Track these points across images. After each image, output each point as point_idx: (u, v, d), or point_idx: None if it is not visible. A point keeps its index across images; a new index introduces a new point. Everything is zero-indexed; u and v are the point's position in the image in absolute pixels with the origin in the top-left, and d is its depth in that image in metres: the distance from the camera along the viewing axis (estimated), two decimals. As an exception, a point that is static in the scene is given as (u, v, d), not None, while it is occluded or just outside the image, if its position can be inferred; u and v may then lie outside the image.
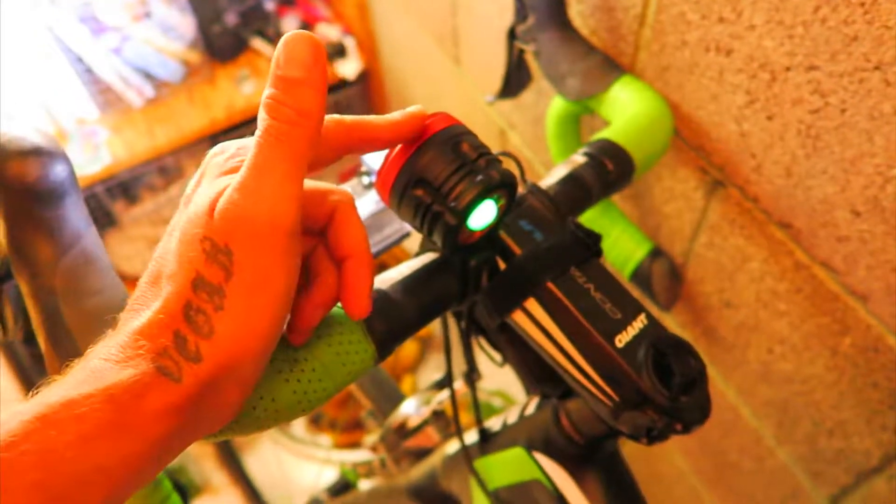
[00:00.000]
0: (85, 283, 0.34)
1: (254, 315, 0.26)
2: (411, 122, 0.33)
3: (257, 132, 0.26)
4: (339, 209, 0.32)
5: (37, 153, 0.34)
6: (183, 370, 0.24)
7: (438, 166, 0.34)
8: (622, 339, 0.38)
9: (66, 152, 0.36)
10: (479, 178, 0.34)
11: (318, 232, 0.32)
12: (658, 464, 1.02)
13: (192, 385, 0.24)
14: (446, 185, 0.34)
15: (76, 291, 0.34)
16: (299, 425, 1.51)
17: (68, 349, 0.34)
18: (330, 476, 1.10)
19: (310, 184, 0.32)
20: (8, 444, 0.21)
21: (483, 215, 0.37)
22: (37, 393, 0.23)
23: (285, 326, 0.31)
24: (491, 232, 0.40)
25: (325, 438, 1.48)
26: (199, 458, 1.46)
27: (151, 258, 0.28)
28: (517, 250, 0.41)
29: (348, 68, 1.60)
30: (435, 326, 1.54)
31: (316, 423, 1.50)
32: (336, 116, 0.31)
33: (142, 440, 0.23)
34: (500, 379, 1.08)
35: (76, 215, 0.35)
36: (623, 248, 0.71)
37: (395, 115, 0.33)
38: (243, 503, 1.37)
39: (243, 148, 0.29)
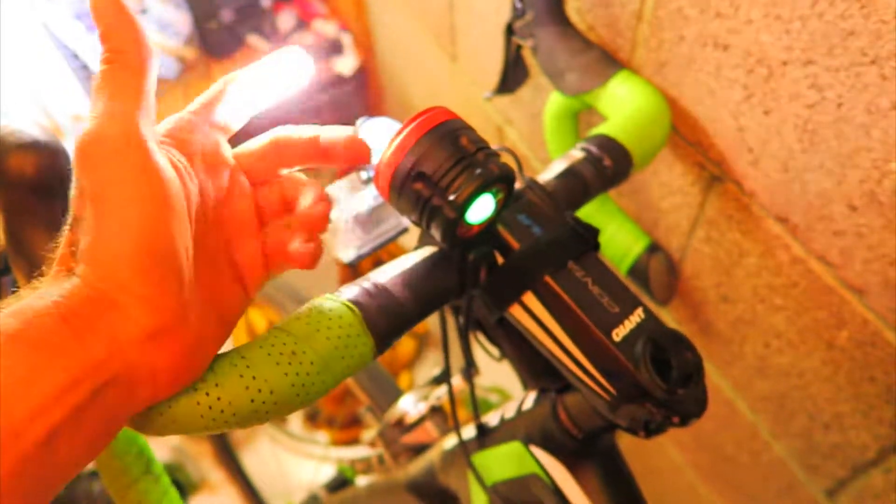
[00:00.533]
0: (84, 277, 0.34)
1: (109, 228, 0.27)
2: (339, 146, 0.36)
3: None
4: (269, 151, 0.36)
5: (36, 146, 0.34)
6: (65, 289, 0.26)
7: (437, 160, 0.34)
8: (620, 333, 0.38)
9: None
10: (478, 171, 0.34)
11: (279, 203, 0.37)
12: (654, 458, 1.03)
13: (75, 299, 0.26)
14: (445, 179, 0.34)
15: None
16: (296, 422, 1.51)
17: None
18: (327, 473, 1.10)
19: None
20: None
21: (482, 209, 0.37)
22: None
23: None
24: (489, 226, 0.40)
25: (323, 435, 1.48)
26: (197, 456, 1.46)
27: None
28: (515, 245, 0.41)
29: (344, 65, 1.59)
30: (432, 323, 1.54)
31: (313, 419, 1.50)
32: (277, 137, 0.36)
33: (42, 349, 0.24)
34: (496, 375, 1.08)
35: (75, 209, 0.35)
36: (620, 244, 0.71)
37: (330, 134, 0.36)
38: (240, 501, 1.37)
39: None
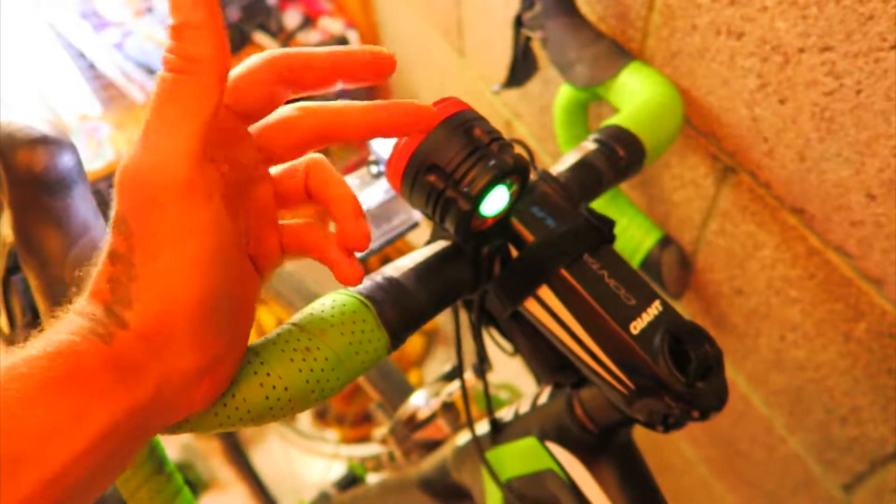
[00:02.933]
0: (94, 274, 0.34)
1: (164, 280, 0.25)
2: (398, 110, 0.31)
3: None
4: (310, 169, 0.32)
5: (44, 142, 0.33)
6: (113, 335, 0.24)
7: (451, 151, 0.34)
8: (637, 326, 0.37)
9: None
10: (493, 163, 0.34)
11: (302, 199, 0.33)
12: (667, 453, 1.02)
13: (124, 346, 0.24)
14: (459, 171, 0.34)
15: (87, 282, 0.34)
16: (306, 420, 1.51)
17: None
18: (338, 471, 1.10)
19: (278, 167, 0.32)
20: None
21: (496, 201, 0.36)
22: None
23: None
24: (503, 219, 0.39)
25: (332, 433, 1.48)
26: (206, 455, 1.46)
27: None
28: (529, 237, 0.40)
29: (351, 62, 1.59)
30: (441, 320, 1.54)
31: (323, 417, 1.50)
32: (301, 105, 0.30)
33: (87, 394, 0.23)
34: (507, 372, 1.07)
35: (85, 205, 0.35)
36: (632, 237, 0.70)
37: (377, 103, 0.31)
38: (250, 499, 1.37)
39: None
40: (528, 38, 0.70)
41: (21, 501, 0.21)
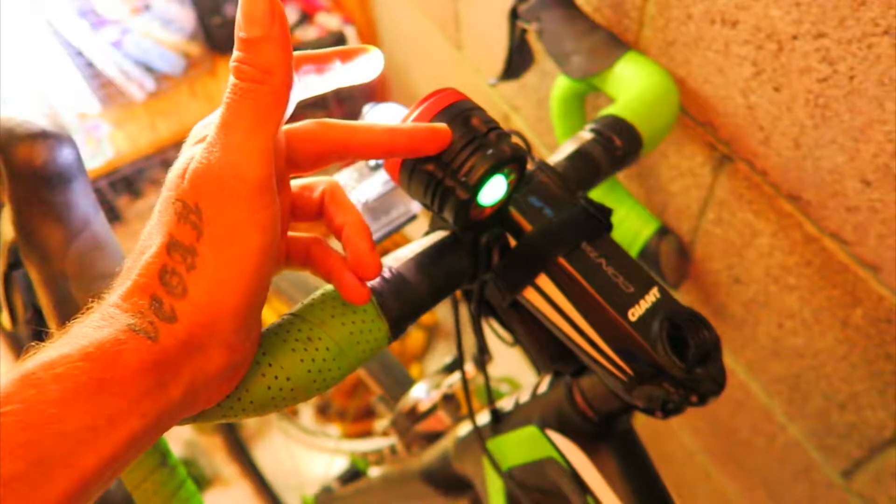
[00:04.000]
0: (96, 267, 0.34)
1: (226, 271, 0.26)
2: (418, 134, 0.33)
3: (225, 94, 0.27)
4: (326, 191, 0.33)
5: (44, 136, 0.34)
6: (159, 330, 0.25)
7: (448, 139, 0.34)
8: (635, 313, 0.38)
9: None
10: (490, 152, 0.34)
11: (314, 217, 0.34)
12: (667, 444, 1.02)
13: (169, 344, 0.25)
14: (457, 160, 0.34)
15: (88, 275, 0.34)
16: (307, 416, 1.51)
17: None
18: (340, 465, 1.10)
19: (298, 181, 0.34)
20: None
21: (494, 190, 0.36)
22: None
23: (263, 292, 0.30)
24: (501, 208, 0.40)
25: (334, 428, 1.48)
26: (209, 451, 1.47)
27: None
28: (528, 226, 0.40)
29: (348, 57, 1.59)
30: (441, 315, 1.54)
31: (324, 412, 1.50)
32: (324, 120, 0.31)
33: (124, 398, 0.23)
34: (507, 365, 1.08)
35: (84, 200, 0.35)
36: (630, 227, 0.70)
37: (399, 126, 0.32)
38: (253, 495, 1.37)
39: (213, 119, 0.29)
40: (524, 31, 0.70)
41: (52, 503, 0.21)
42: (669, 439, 1.01)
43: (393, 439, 0.74)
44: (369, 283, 0.35)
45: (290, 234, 0.34)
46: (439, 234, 0.40)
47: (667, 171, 0.69)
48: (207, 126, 0.29)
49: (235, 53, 0.26)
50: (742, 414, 0.79)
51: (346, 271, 0.32)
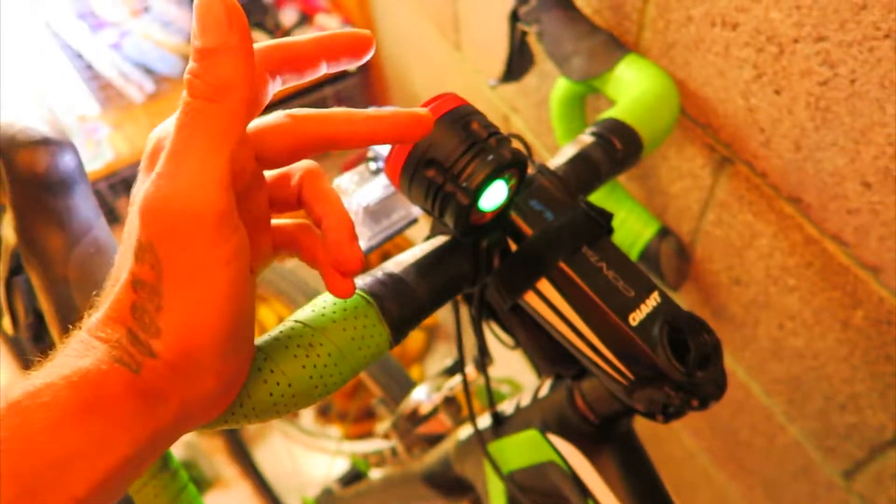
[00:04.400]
0: (98, 273, 0.34)
1: (196, 309, 0.25)
2: (399, 119, 0.29)
3: (176, 113, 0.24)
4: (303, 179, 0.31)
5: (45, 143, 0.34)
6: (141, 363, 0.24)
7: (449, 146, 0.34)
8: (636, 317, 0.38)
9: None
10: (491, 157, 0.34)
11: (295, 207, 0.32)
12: (667, 445, 1.02)
13: (152, 375, 0.24)
14: (458, 165, 0.34)
15: (89, 281, 0.34)
16: (308, 417, 1.51)
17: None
18: (341, 467, 1.10)
19: (272, 172, 0.31)
20: None
21: (494, 195, 0.37)
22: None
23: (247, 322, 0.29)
24: (502, 213, 0.40)
25: (335, 430, 1.49)
26: (210, 453, 1.47)
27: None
28: (528, 231, 0.40)
29: (348, 58, 1.59)
30: (442, 316, 1.54)
31: (325, 414, 1.50)
32: (295, 112, 0.29)
33: (112, 422, 0.23)
34: (508, 367, 1.08)
35: (86, 205, 0.35)
36: (630, 229, 0.70)
37: (379, 112, 0.30)
38: (254, 497, 1.37)
39: (168, 131, 0.26)
40: (525, 33, 0.70)
41: None
42: (670, 440, 1.01)
43: (394, 441, 0.74)
44: (369, 287, 0.35)
45: (274, 222, 0.32)
46: (440, 239, 0.40)
47: (667, 173, 0.69)
48: (162, 140, 0.26)
49: (189, 64, 0.24)
50: (742, 414, 0.79)
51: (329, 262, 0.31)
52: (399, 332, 0.35)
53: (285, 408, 0.32)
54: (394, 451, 0.83)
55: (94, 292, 0.33)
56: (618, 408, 0.43)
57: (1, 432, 0.21)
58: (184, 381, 0.25)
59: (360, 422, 1.46)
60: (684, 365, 0.36)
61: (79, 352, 0.24)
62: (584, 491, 0.45)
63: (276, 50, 0.28)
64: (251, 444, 1.45)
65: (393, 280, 0.36)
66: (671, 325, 0.37)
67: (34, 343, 0.56)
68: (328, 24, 1.62)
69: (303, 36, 0.29)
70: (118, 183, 1.61)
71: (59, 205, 0.34)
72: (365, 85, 1.72)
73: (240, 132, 0.25)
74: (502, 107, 1.02)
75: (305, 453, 1.43)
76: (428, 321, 1.55)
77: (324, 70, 0.30)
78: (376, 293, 0.35)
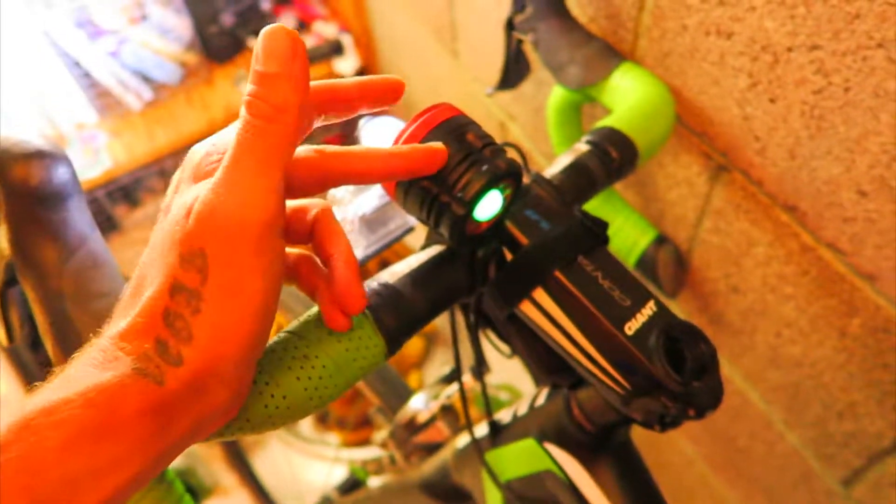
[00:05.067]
0: (92, 286, 0.34)
1: (232, 316, 0.25)
2: (415, 156, 0.32)
3: (236, 129, 0.26)
4: (318, 217, 0.33)
5: (39, 156, 0.34)
6: (165, 374, 0.24)
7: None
8: (632, 327, 0.38)
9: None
10: (486, 167, 0.34)
11: (305, 240, 0.33)
12: (665, 452, 1.02)
13: (175, 388, 0.24)
14: (453, 176, 0.34)
15: (84, 294, 0.34)
16: (307, 424, 1.51)
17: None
18: (339, 475, 1.10)
19: (291, 203, 0.33)
20: None
21: (490, 205, 0.37)
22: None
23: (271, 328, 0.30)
24: (497, 222, 0.40)
25: (333, 437, 1.48)
26: (208, 460, 1.46)
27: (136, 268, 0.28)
28: (524, 240, 0.40)
29: (346, 65, 1.59)
30: (440, 322, 1.54)
31: (323, 421, 1.50)
32: (322, 148, 0.31)
33: (127, 441, 0.23)
34: (506, 373, 1.08)
35: (80, 218, 0.35)
36: (627, 237, 0.70)
37: (396, 150, 0.32)
38: (252, 504, 1.37)
39: (217, 146, 0.28)
40: (521, 41, 0.70)
41: None
42: (668, 447, 1.01)
43: (391, 450, 0.74)
44: (368, 301, 0.35)
45: None
46: (435, 249, 0.40)
47: (663, 181, 0.69)
48: (208, 159, 0.28)
49: (250, 87, 0.26)
50: (741, 421, 0.79)
51: (329, 296, 0.32)
52: (395, 343, 0.35)
53: (281, 420, 0.31)
54: (392, 459, 0.83)
55: (89, 304, 0.33)
56: (614, 417, 0.43)
57: (14, 450, 0.21)
58: (202, 394, 0.25)
59: (359, 429, 1.46)
60: (681, 375, 0.36)
61: (99, 362, 0.24)
62: (581, 500, 0.45)
63: (325, 90, 0.30)
64: (249, 452, 1.45)
65: (388, 291, 0.36)
66: (667, 335, 0.37)
67: (31, 351, 0.56)
68: (326, 32, 1.62)
69: (348, 79, 0.31)
70: (116, 191, 1.61)
71: (53, 218, 0.34)
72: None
73: (291, 152, 0.27)
74: (499, 114, 1.02)
75: (304, 460, 1.43)
76: (427, 327, 1.55)
77: (360, 112, 0.32)
78: (371, 304, 0.35)
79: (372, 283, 0.37)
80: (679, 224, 0.70)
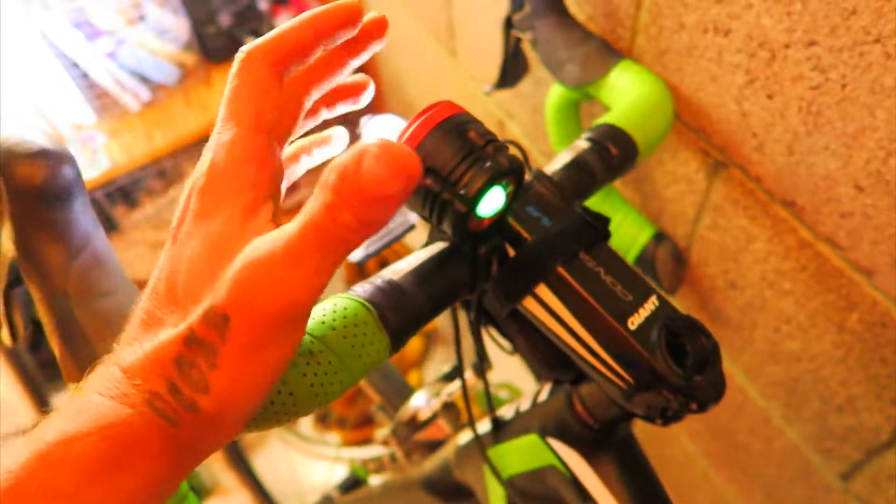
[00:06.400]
0: (97, 285, 0.34)
1: (250, 376, 0.25)
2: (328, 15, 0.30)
3: (307, 212, 0.23)
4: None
5: (44, 155, 0.34)
6: (181, 417, 0.24)
7: (446, 154, 0.34)
8: (635, 322, 0.38)
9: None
10: (488, 164, 0.34)
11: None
12: (666, 448, 1.03)
13: (191, 430, 0.24)
14: (455, 173, 0.34)
15: (89, 294, 0.34)
16: (307, 424, 1.51)
17: (84, 352, 0.34)
18: (340, 474, 1.10)
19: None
20: (9, 488, 0.21)
21: (492, 202, 0.37)
22: (44, 414, 0.23)
23: None
24: (499, 219, 0.40)
25: (334, 436, 1.48)
26: (209, 460, 1.46)
27: (151, 275, 0.27)
28: (526, 236, 0.41)
29: (343, 65, 1.59)
30: (440, 321, 1.54)
31: (324, 421, 1.50)
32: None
33: (143, 477, 0.23)
34: (506, 371, 1.08)
35: (85, 217, 0.35)
36: (626, 234, 0.71)
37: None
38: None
39: (221, 175, 0.27)
40: (519, 39, 0.70)
41: None
42: (669, 443, 1.01)
43: (393, 448, 0.74)
44: (368, 294, 0.36)
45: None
46: (438, 246, 0.40)
47: (662, 178, 0.69)
48: (224, 189, 0.26)
49: (344, 188, 0.22)
50: (741, 417, 0.80)
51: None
52: (398, 339, 0.35)
53: (286, 416, 0.32)
54: (393, 458, 0.83)
55: (94, 303, 0.33)
56: (617, 412, 0.44)
57: (33, 483, 0.21)
58: (217, 432, 0.25)
59: (359, 428, 1.46)
60: (682, 368, 0.36)
61: (114, 394, 0.23)
62: (584, 495, 0.45)
63: (276, 44, 0.29)
64: (250, 451, 1.45)
65: (392, 287, 0.37)
66: (669, 329, 0.37)
67: (32, 352, 0.56)
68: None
69: (295, 20, 0.29)
70: (115, 191, 1.61)
71: (57, 217, 0.34)
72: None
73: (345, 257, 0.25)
74: (498, 112, 1.02)
75: (304, 460, 1.43)
76: (427, 326, 1.55)
77: (320, 52, 0.30)
78: (375, 301, 0.35)
79: (375, 280, 0.37)
80: (678, 221, 0.71)
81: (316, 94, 0.32)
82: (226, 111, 0.28)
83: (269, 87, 0.29)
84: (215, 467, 1.45)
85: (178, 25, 1.55)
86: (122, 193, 1.65)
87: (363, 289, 0.36)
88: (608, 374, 0.38)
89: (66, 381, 0.34)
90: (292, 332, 0.25)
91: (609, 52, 0.62)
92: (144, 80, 1.56)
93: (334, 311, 0.34)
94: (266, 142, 0.28)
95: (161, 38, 1.55)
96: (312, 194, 0.23)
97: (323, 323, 0.33)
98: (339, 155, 0.23)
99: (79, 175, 0.36)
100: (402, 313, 0.36)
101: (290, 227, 0.24)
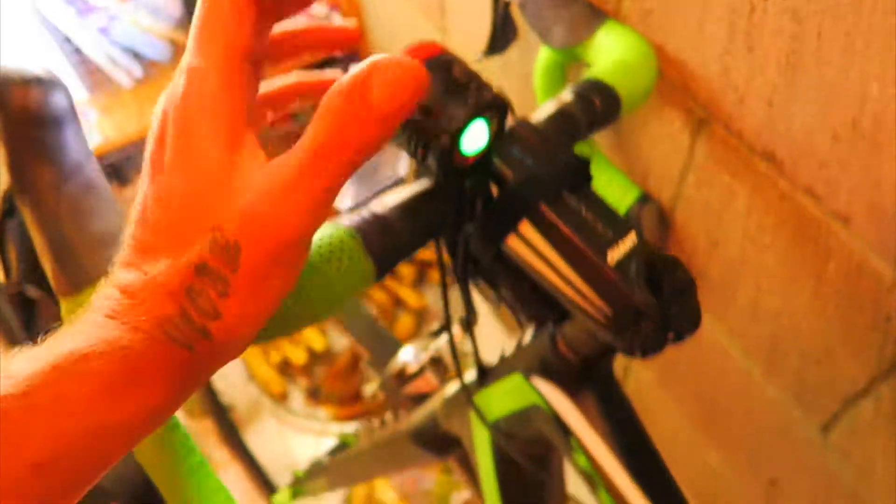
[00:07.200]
0: (89, 209, 0.35)
1: (258, 302, 0.25)
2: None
3: (311, 136, 0.24)
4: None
5: (38, 82, 0.35)
6: (194, 342, 0.24)
7: (431, 89, 0.35)
8: (614, 256, 0.39)
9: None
10: (472, 98, 0.36)
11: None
12: (651, 416, 1.04)
13: (203, 353, 0.25)
14: (438, 107, 0.35)
15: (80, 216, 0.35)
16: (298, 400, 1.52)
17: (75, 271, 0.35)
18: (330, 446, 1.12)
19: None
20: (24, 391, 0.21)
21: (476, 138, 0.38)
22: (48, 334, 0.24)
23: None
24: (484, 159, 0.41)
25: (324, 412, 1.50)
26: (201, 435, 1.47)
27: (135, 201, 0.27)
28: (510, 175, 0.42)
29: (335, 44, 1.59)
30: (430, 299, 1.55)
31: (315, 396, 1.51)
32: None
33: (154, 398, 0.24)
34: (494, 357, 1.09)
35: (77, 144, 0.36)
36: (610, 196, 0.72)
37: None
38: (245, 479, 1.38)
39: (198, 106, 0.26)
40: (507, 4, 0.71)
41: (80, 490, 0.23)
42: (654, 412, 1.03)
43: (382, 415, 0.75)
44: (354, 224, 0.37)
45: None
46: (424, 182, 0.41)
47: (647, 139, 0.71)
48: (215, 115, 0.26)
49: (350, 103, 0.23)
50: (723, 379, 0.81)
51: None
52: (383, 265, 0.37)
53: (276, 331, 0.33)
54: (382, 423, 0.84)
55: (87, 227, 0.34)
56: (598, 348, 0.45)
57: (47, 393, 0.21)
58: (225, 354, 0.26)
59: (349, 404, 1.47)
60: (659, 300, 0.38)
61: (125, 319, 0.24)
62: (565, 431, 0.46)
63: None
64: (242, 427, 1.46)
65: (377, 219, 0.38)
66: (647, 263, 0.39)
67: (19, 298, 0.57)
68: (315, 10, 1.62)
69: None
70: (106, 168, 1.61)
71: (49, 139, 0.34)
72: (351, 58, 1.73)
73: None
74: (488, 84, 1.03)
75: (296, 435, 1.44)
76: (416, 304, 1.57)
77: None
78: (361, 229, 0.36)
79: (362, 212, 0.38)
80: (663, 182, 0.72)
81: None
82: (198, 35, 0.26)
83: (243, 8, 0.27)
84: (208, 442, 1.46)
85: (171, 3, 1.55)
86: (113, 170, 1.65)
87: (350, 219, 0.37)
88: (589, 308, 0.40)
89: (58, 295, 0.35)
90: (298, 258, 0.26)
91: (595, 13, 0.63)
92: (137, 56, 1.56)
93: (320, 240, 0.35)
94: (240, 68, 0.27)
95: (154, 15, 1.55)
96: (312, 120, 0.24)
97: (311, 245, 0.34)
98: (339, 80, 0.24)
99: (72, 104, 0.37)
100: (386, 242, 0.37)
101: (296, 154, 0.24)
